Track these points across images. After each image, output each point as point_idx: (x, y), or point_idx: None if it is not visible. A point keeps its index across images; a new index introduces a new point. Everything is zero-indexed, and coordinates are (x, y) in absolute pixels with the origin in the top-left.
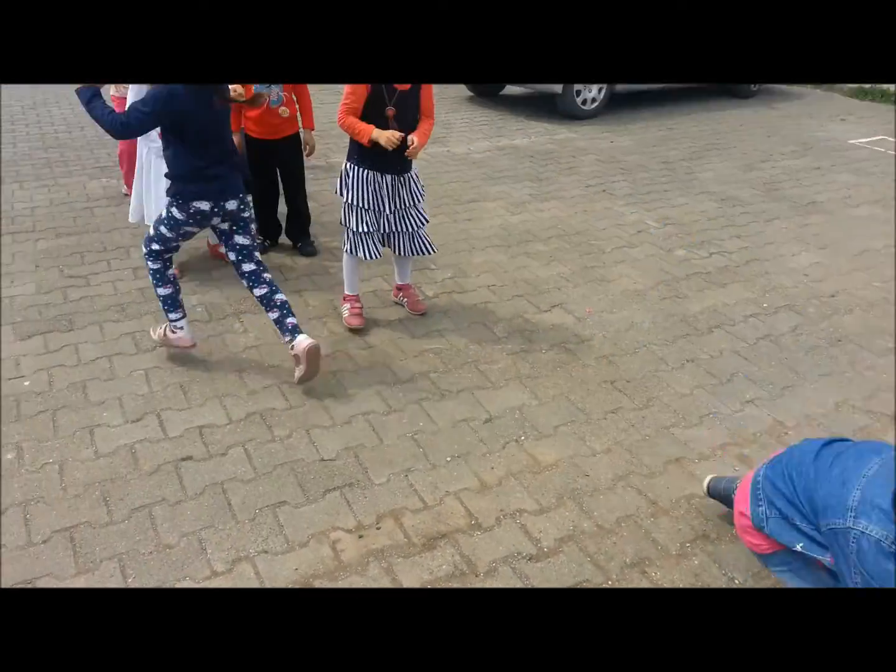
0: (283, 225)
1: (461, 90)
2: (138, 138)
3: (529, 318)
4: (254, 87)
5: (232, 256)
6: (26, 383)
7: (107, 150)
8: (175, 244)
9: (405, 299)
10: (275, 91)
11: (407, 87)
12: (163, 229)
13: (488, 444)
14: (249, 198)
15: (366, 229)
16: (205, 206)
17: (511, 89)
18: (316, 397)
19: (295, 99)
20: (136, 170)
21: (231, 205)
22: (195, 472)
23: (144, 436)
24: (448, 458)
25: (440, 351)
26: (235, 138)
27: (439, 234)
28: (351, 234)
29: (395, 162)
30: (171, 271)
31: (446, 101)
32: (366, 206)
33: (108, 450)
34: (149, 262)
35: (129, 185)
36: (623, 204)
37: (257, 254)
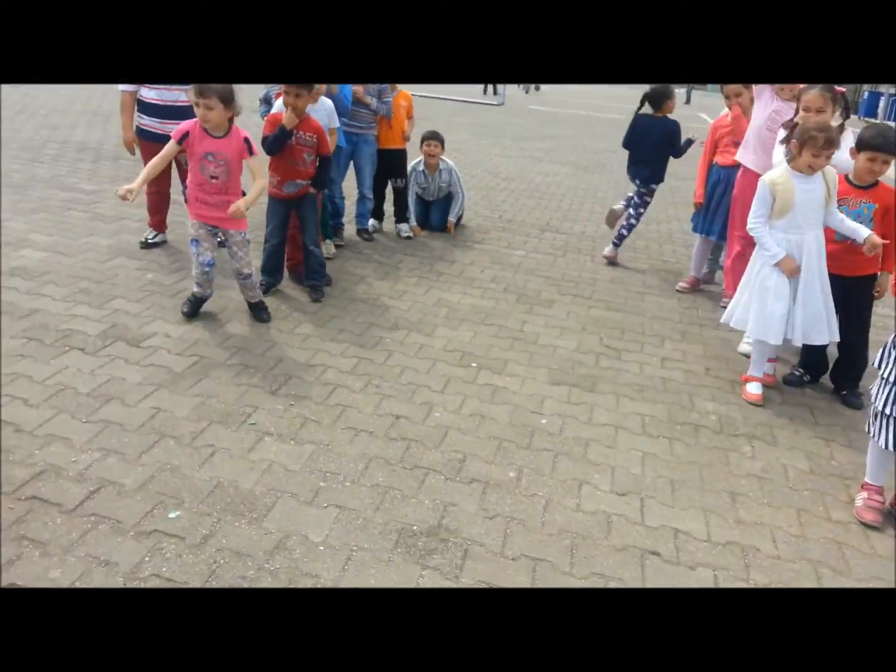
0: (829, 364)
1: None
2: (755, 255)
3: None
4: None
5: None
6: (543, 421)
7: (672, 247)
8: None
9: None
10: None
11: None
12: None
13: None
14: None
15: None
16: None
17: None
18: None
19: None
20: (743, 277)
21: None
22: (658, 569)
23: (623, 512)
24: None
25: None
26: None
27: None
28: (877, 415)
29: None
30: None
31: None
32: None
33: (589, 509)
34: None
35: None
36: None
37: None
